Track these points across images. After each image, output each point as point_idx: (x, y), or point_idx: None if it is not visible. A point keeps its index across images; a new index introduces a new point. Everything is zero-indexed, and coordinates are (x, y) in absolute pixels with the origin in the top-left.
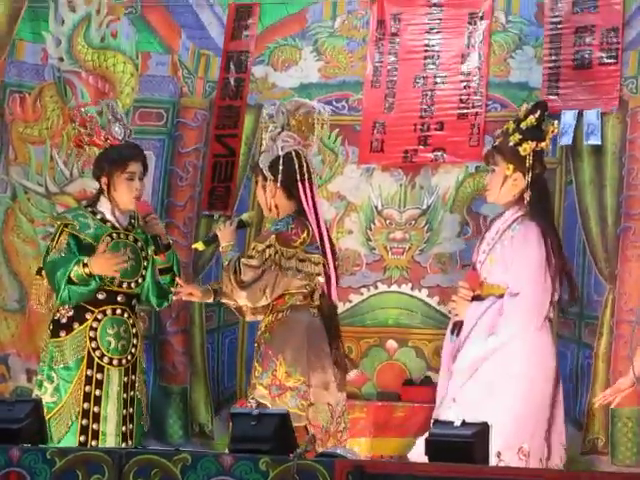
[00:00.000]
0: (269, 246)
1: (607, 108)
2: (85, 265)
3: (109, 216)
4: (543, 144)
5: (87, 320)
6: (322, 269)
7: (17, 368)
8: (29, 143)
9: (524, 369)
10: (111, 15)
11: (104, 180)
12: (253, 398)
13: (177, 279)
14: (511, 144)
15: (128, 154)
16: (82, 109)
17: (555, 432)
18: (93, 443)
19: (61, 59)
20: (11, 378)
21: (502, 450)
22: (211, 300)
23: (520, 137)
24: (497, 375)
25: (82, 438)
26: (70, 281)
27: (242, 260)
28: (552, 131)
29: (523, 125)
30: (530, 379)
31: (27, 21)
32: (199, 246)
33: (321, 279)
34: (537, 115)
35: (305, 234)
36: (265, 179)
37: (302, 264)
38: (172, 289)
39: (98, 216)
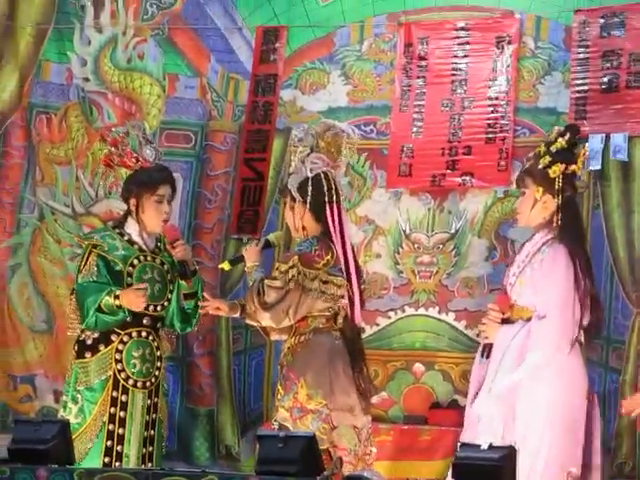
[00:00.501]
0: (292, 267)
1: (635, 131)
2: (117, 297)
3: (136, 238)
4: (574, 167)
5: (113, 342)
6: (345, 292)
7: (44, 388)
8: (55, 164)
9: (555, 393)
10: (138, 37)
11: (133, 202)
12: (276, 420)
13: (204, 294)
14: (541, 167)
15: (158, 177)
16: (113, 129)
17: (594, 453)
18: (117, 464)
19: (86, 79)
20: (37, 398)
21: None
22: (238, 315)
23: (550, 159)
24: (530, 401)
25: (106, 459)
26: (99, 309)
27: (265, 281)
28: (583, 154)
29: (553, 148)
30: (562, 403)
31: (53, 41)
32: (225, 266)
33: (345, 301)
34: (567, 138)
35: (329, 256)
36: (294, 200)
37: (325, 286)
38: (199, 308)
39: (125, 237)
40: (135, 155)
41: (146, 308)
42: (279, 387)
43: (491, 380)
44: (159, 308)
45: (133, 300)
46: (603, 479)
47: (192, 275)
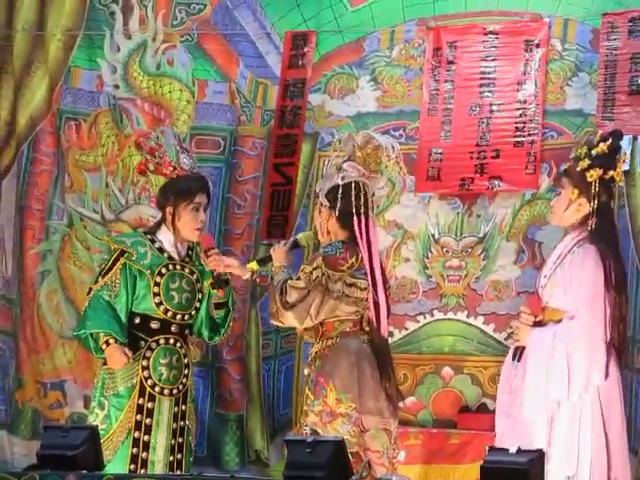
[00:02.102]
0: (316, 268)
1: None
2: (107, 343)
3: (167, 246)
4: (612, 173)
5: (140, 349)
6: (369, 295)
7: (73, 394)
8: (85, 170)
9: (594, 398)
10: (167, 42)
11: (169, 210)
12: (307, 425)
13: (215, 250)
14: (579, 169)
15: (196, 186)
16: (150, 136)
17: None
18: (142, 472)
19: (116, 86)
20: (67, 404)
21: None
22: (247, 276)
23: (589, 163)
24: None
25: (132, 467)
26: (91, 335)
27: (289, 282)
28: (623, 160)
29: (594, 152)
30: (599, 410)
31: (83, 48)
32: (253, 266)
33: (370, 311)
34: (609, 143)
35: (354, 259)
36: (322, 204)
37: (349, 289)
38: (229, 319)
39: (156, 245)
40: (173, 163)
41: (174, 317)
42: (308, 392)
43: (531, 383)
44: (187, 317)
45: (116, 358)
46: None
47: (225, 285)
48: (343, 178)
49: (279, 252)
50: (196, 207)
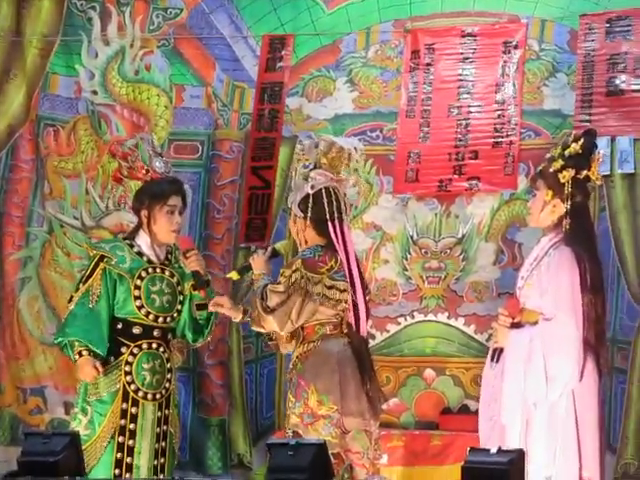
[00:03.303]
0: (295, 270)
1: None
2: (79, 354)
3: (146, 250)
4: (586, 172)
5: (123, 354)
6: (349, 297)
7: (54, 400)
8: (64, 177)
9: (568, 399)
10: (144, 48)
11: (144, 213)
12: (289, 429)
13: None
14: (552, 170)
15: (169, 188)
16: (123, 143)
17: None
18: (127, 476)
19: (94, 92)
20: (47, 410)
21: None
22: (239, 319)
23: (562, 164)
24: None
25: (117, 471)
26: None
27: (269, 286)
28: (597, 160)
29: (567, 152)
30: (574, 410)
31: (60, 55)
32: (233, 275)
33: (349, 313)
34: (581, 143)
35: (333, 262)
36: (296, 215)
37: (329, 291)
38: (212, 319)
39: (135, 249)
40: (146, 167)
41: (155, 320)
42: (289, 395)
43: (508, 386)
44: (169, 319)
45: (86, 371)
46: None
47: (206, 285)
48: (312, 187)
49: (258, 260)
50: (171, 210)
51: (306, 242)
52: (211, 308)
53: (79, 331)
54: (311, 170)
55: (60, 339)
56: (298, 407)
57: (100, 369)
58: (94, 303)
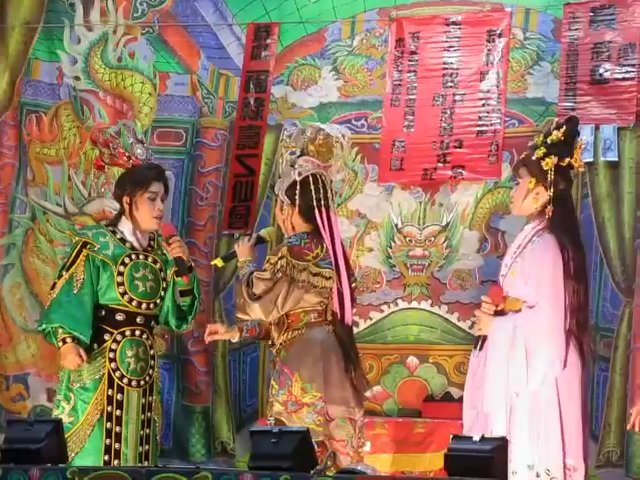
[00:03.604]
0: (281, 257)
1: (624, 123)
2: (63, 341)
3: (129, 236)
4: (569, 160)
5: (106, 341)
6: (334, 285)
7: (37, 388)
8: (47, 163)
9: (551, 387)
10: (128, 35)
11: (126, 200)
12: (272, 416)
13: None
14: (534, 158)
15: (150, 174)
16: (104, 130)
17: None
18: (116, 462)
19: (77, 78)
20: (30, 397)
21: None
22: (236, 338)
23: (544, 151)
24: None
25: (106, 457)
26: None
27: (255, 273)
28: (580, 147)
29: (549, 140)
30: (557, 398)
31: (42, 40)
32: (218, 262)
33: (334, 300)
34: (563, 130)
35: (319, 249)
36: (283, 201)
37: (315, 278)
38: (195, 305)
39: (118, 235)
40: (127, 154)
41: (139, 306)
42: (273, 382)
43: (491, 373)
44: (152, 306)
45: (69, 359)
46: (587, 471)
47: (189, 271)
48: (300, 174)
49: (243, 248)
50: (152, 196)
51: (293, 229)
52: (207, 339)
53: (63, 317)
54: (298, 157)
55: (44, 326)
56: (282, 395)
57: (84, 357)
58: (78, 289)
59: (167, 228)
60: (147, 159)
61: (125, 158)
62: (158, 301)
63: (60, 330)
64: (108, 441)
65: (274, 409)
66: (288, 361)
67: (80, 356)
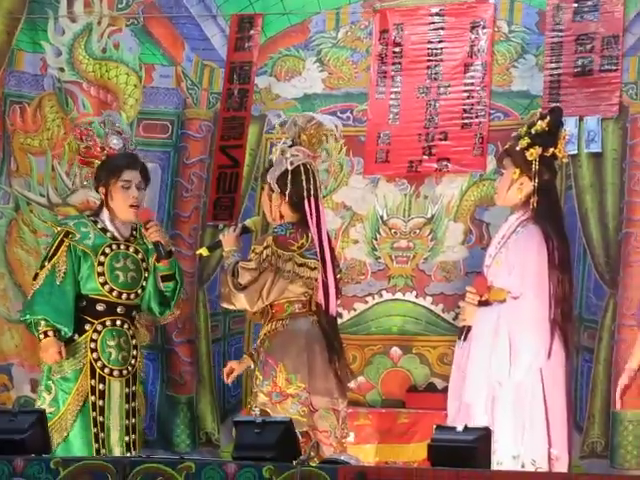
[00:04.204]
0: (266, 247)
1: (608, 114)
2: (45, 335)
3: (110, 226)
4: (553, 150)
5: (87, 331)
6: (319, 275)
7: (20, 378)
8: (30, 154)
9: (536, 377)
10: (113, 26)
11: (102, 190)
12: (256, 407)
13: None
14: (518, 148)
15: (122, 162)
16: (82, 123)
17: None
18: (103, 451)
19: (61, 69)
20: (14, 388)
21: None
22: (252, 364)
23: (528, 142)
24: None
25: (96, 446)
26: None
27: (240, 263)
28: (564, 137)
29: (533, 130)
30: (542, 389)
31: (26, 31)
32: (203, 252)
33: (319, 291)
34: (548, 120)
35: (304, 240)
36: (272, 190)
37: (300, 268)
38: (178, 291)
39: (99, 225)
40: (100, 145)
41: (119, 297)
42: (257, 373)
43: (474, 363)
44: (132, 296)
45: (49, 354)
46: (570, 461)
47: (168, 256)
48: (292, 163)
49: (229, 237)
50: (125, 184)
51: (281, 217)
52: (229, 381)
53: (47, 310)
54: (290, 147)
55: (27, 316)
56: (266, 385)
57: (64, 354)
58: (60, 281)
59: (144, 213)
60: (124, 149)
61: (99, 149)
62: (139, 291)
63: (43, 322)
64: (95, 430)
65: (259, 400)
66: (272, 352)
67: (60, 353)
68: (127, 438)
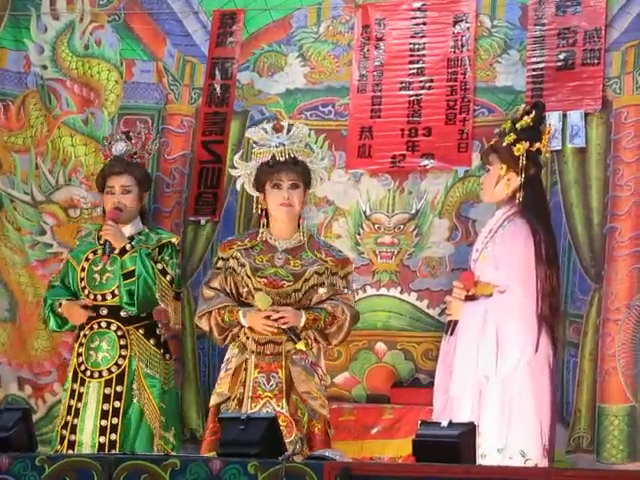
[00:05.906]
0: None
1: (591, 109)
2: (60, 305)
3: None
4: (538, 145)
5: (79, 338)
6: None
7: (7, 377)
8: (14, 152)
9: (524, 371)
10: (95, 23)
11: (101, 197)
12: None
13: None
14: (505, 144)
15: (106, 170)
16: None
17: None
18: (69, 452)
19: (44, 67)
20: (1, 387)
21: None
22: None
23: (514, 137)
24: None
25: (59, 447)
26: (52, 310)
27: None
28: (548, 132)
29: (518, 125)
30: (530, 383)
31: (9, 29)
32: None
33: None
34: (532, 115)
35: None
36: None
37: None
38: (143, 289)
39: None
40: (106, 152)
41: (95, 299)
42: None
43: (461, 358)
44: (109, 297)
45: (75, 312)
46: (552, 456)
47: (110, 252)
48: None
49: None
50: (110, 190)
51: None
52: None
53: (52, 295)
54: None
55: (50, 325)
56: None
57: (89, 304)
58: (57, 281)
59: (109, 213)
60: (125, 153)
61: (103, 157)
62: (116, 291)
63: (56, 303)
64: (64, 432)
65: None
66: None
67: (85, 307)
68: (102, 439)
